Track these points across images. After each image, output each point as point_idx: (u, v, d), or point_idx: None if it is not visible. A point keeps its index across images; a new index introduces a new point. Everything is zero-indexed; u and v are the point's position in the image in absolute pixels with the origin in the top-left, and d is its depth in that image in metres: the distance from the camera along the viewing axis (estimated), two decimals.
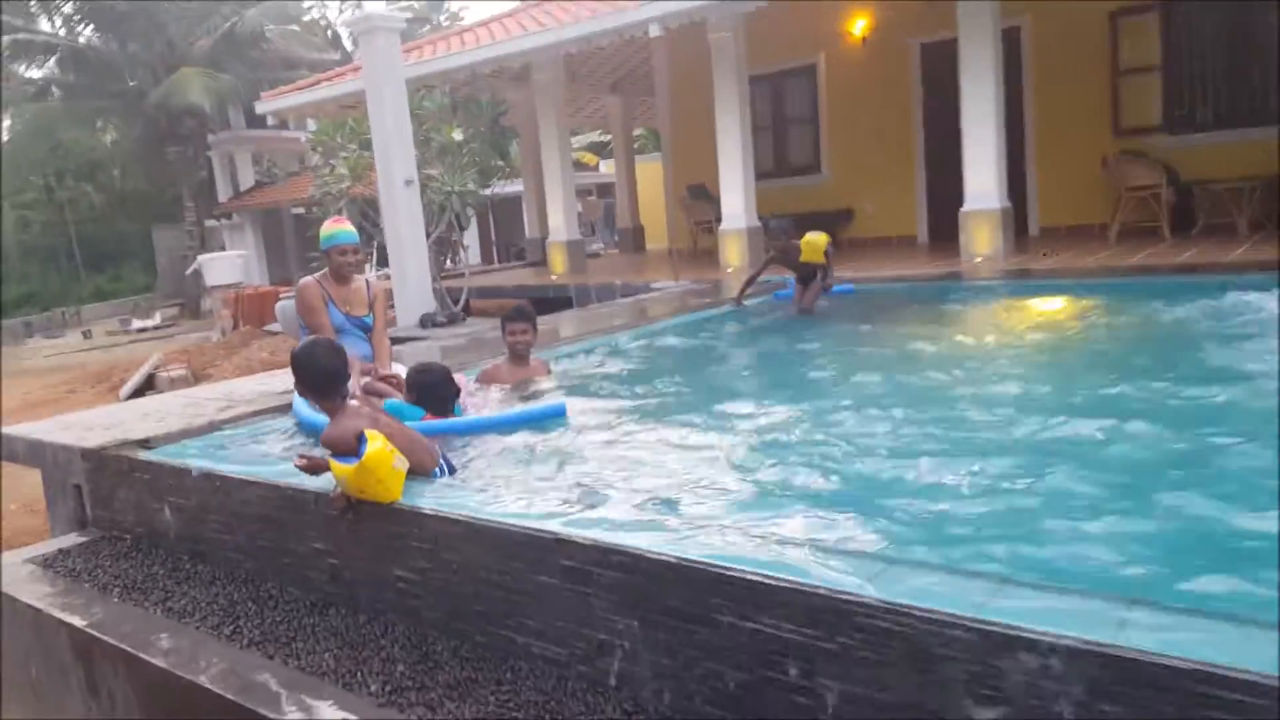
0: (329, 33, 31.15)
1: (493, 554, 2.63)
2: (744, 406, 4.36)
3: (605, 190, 25.77)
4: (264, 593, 3.26)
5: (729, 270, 10.99)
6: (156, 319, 20.82)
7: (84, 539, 4.06)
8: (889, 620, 1.91)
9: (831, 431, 3.66)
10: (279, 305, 5.65)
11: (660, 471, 3.33)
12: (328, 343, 3.23)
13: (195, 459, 3.76)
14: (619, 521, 2.50)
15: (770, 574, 2.08)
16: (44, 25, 23.87)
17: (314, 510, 3.12)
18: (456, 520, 2.71)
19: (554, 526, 2.50)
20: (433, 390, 4.05)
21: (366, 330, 4.73)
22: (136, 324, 20.09)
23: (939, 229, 12.39)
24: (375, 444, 2.87)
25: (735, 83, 10.96)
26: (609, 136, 20.71)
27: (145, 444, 4.12)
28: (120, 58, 22.94)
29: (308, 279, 4.65)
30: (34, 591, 3.47)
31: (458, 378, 4.39)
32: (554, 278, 12.68)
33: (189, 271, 19.59)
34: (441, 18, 34.43)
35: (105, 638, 3.00)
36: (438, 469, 3.31)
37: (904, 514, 2.74)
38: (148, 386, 11.22)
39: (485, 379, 4.87)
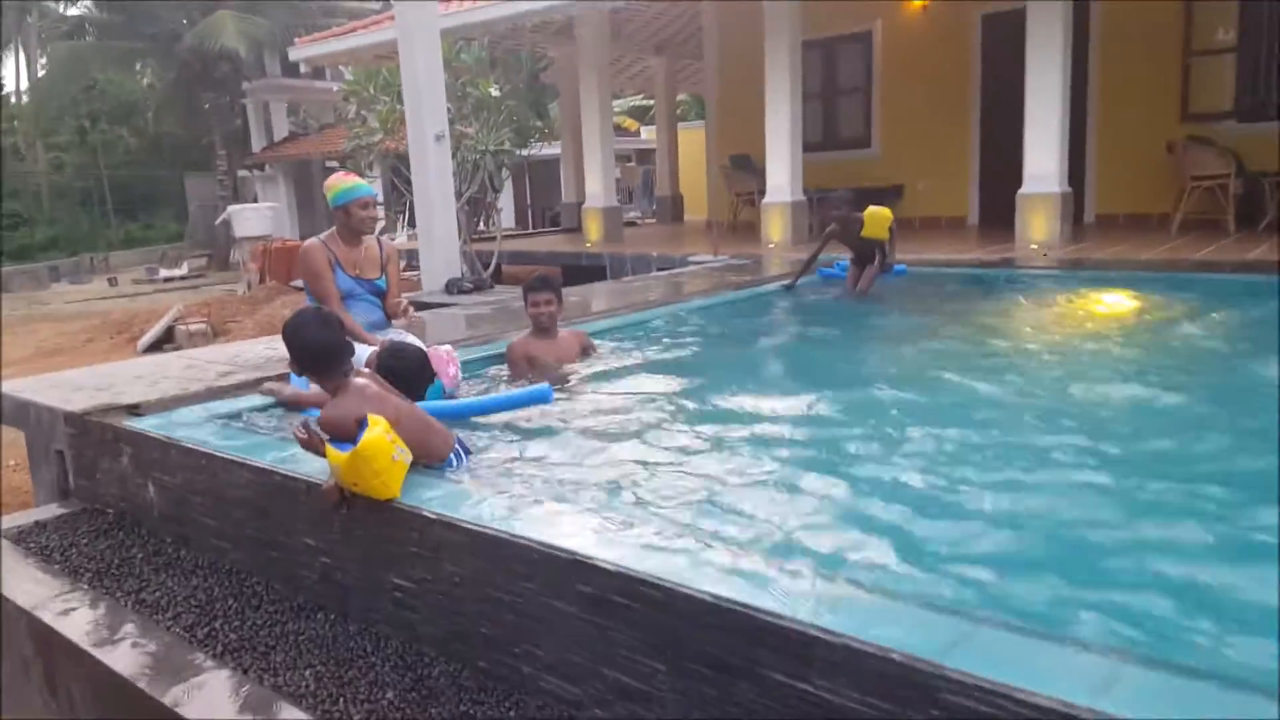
0: None
1: (501, 570, 2.25)
2: (796, 405, 3.91)
3: (644, 157, 25.16)
4: (248, 589, 2.92)
5: (770, 245, 10.50)
6: (184, 269, 20.64)
7: (64, 511, 3.74)
8: (985, 703, 1.51)
9: (902, 444, 3.21)
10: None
11: (699, 481, 2.91)
12: (317, 313, 2.84)
13: (185, 430, 3.41)
14: (650, 544, 2.10)
15: (829, 630, 1.68)
16: None
17: (306, 501, 2.75)
18: (461, 528, 2.33)
19: (573, 544, 2.12)
20: (406, 378, 3.66)
21: (380, 295, 4.33)
22: (164, 273, 19.92)
23: (991, 211, 11.85)
24: (374, 430, 2.49)
25: (788, 47, 10.40)
26: (651, 101, 20.15)
27: (134, 410, 3.78)
28: None
29: (311, 240, 4.25)
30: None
31: (441, 352, 3.99)
32: (588, 245, 12.25)
33: (218, 221, 19.34)
34: None
35: (64, 633, 2.66)
36: (452, 455, 2.94)
37: (995, 552, 2.32)
38: (166, 340, 10.98)
39: (515, 353, 4.47)
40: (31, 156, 31.27)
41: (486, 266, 10.97)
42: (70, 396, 3.96)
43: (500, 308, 6.99)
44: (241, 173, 24.26)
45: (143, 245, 25.80)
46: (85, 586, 3.00)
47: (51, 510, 3.75)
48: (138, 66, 25.87)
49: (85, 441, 3.71)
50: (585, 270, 11.07)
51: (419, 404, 3.45)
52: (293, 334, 2.73)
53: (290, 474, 2.79)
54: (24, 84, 31.57)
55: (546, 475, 3.02)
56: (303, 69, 14.96)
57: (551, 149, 16.56)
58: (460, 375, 3.98)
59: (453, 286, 8.63)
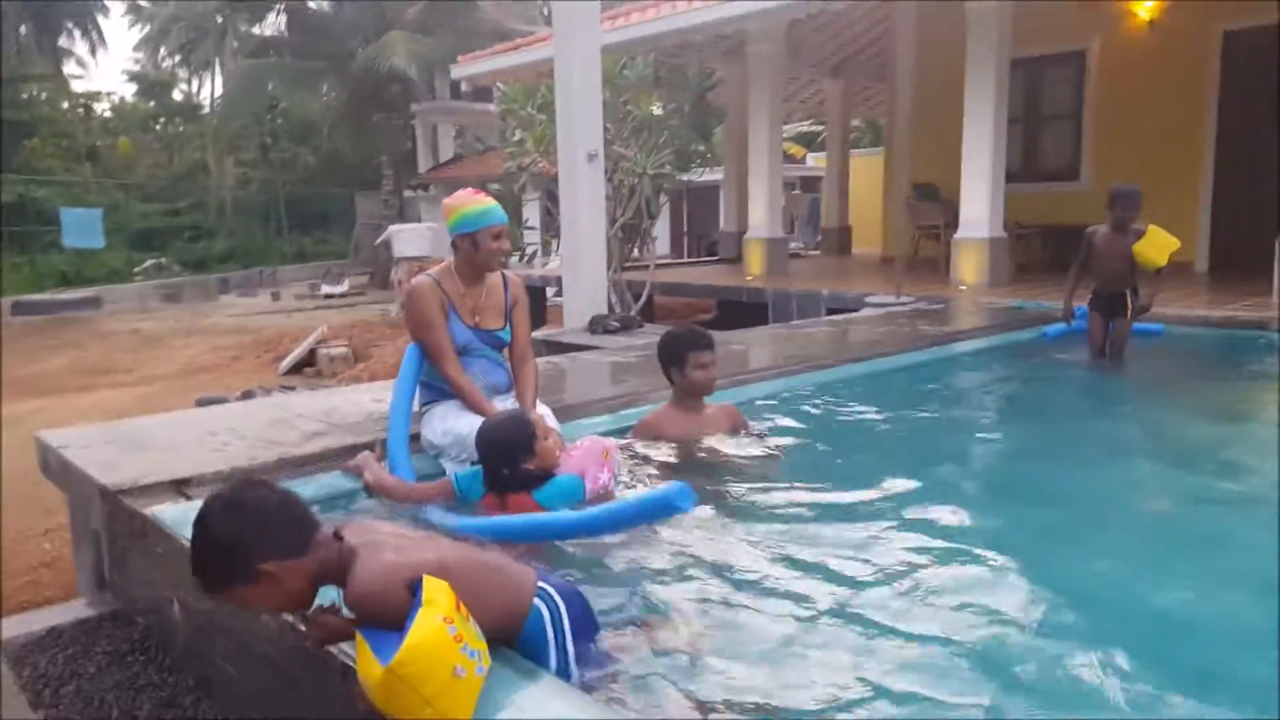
0: (544, 9, 30.81)
1: None
2: (1063, 550, 2.65)
3: (809, 185, 23.89)
4: None
5: (963, 288, 9.09)
6: (345, 286, 20.86)
7: (90, 613, 2.95)
8: None
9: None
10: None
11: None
12: (257, 498, 1.70)
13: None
14: None
15: None
16: None
17: (343, 690, 1.77)
18: None
19: None
20: (494, 460, 2.71)
21: (501, 347, 3.37)
22: (325, 289, 20.14)
23: (1225, 257, 10.11)
24: (428, 621, 1.48)
25: (994, 64, 9.03)
26: (819, 127, 18.93)
27: (183, 487, 2.95)
28: (336, 19, 23.21)
29: (421, 278, 3.31)
30: None
31: (585, 440, 2.96)
32: (749, 279, 11.14)
33: (378, 241, 19.42)
34: None
35: None
36: (541, 607, 1.84)
37: None
38: (308, 362, 10.63)
39: (644, 433, 3.42)
40: (218, 171, 33.18)
41: (638, 298, 10.06)
42: (119, 460, 3.19)
43: (651, 355, 5.97)
44: (407, 193, 24.58)
45: (312, 260, 26.57)
46: None
47: (75, 611, 2.97)
48: (323, 87, 26.83)
49: (119, 526, 2.91)
50: (745, 308, 9.99)
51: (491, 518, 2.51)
52: (243, 515, 1.66)
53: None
54: (209, 103, 33.53)
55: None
56: (464, 88, 14.61)
57: (712, 174, 15.62)
58: (614, 480, 2.92)
59: (597, 325, 7.68)
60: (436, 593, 1.54)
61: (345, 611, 1.71)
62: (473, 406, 3.17)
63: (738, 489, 3.12)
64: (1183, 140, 10.49)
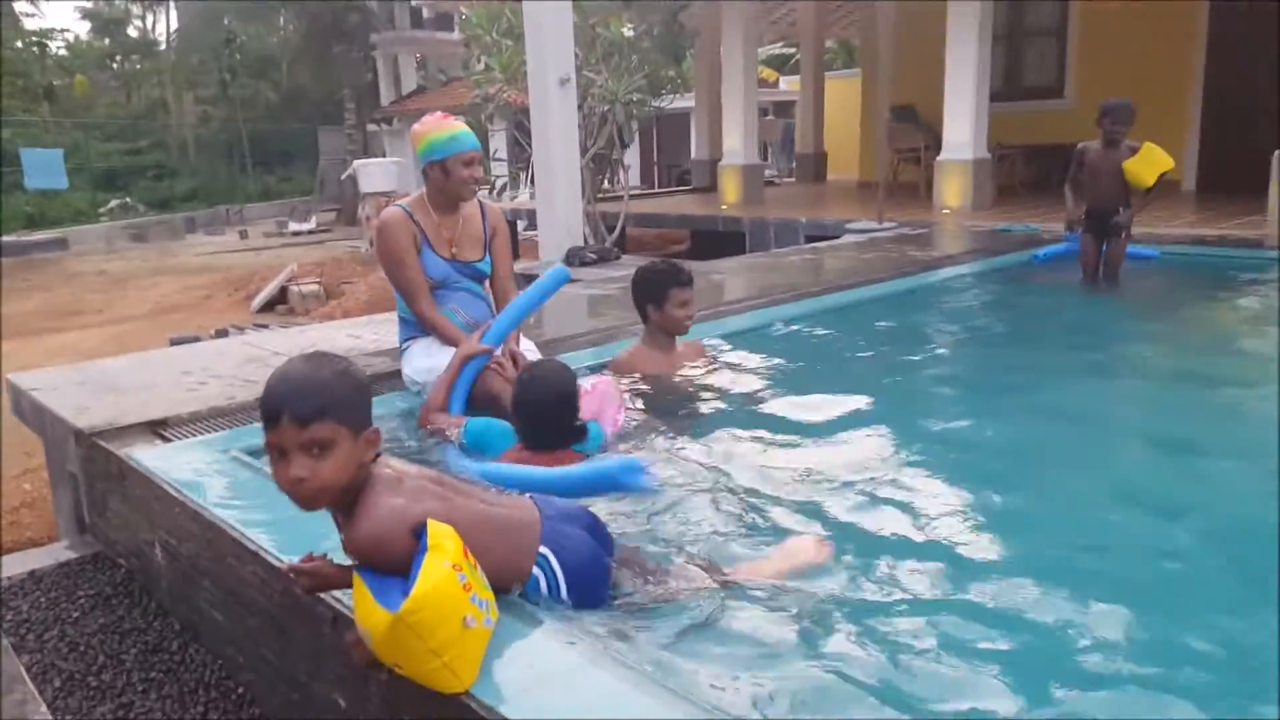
0: None
1: None
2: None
3: (782, 110, 23.48)
4: None
5: (945, 211, 9.01)
6: (312, 223, 20.41)
7: (71, 556, 2.87)
8: None
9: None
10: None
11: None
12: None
13: (205, 468, 2.46)
14: None
15: None
16: None
17: (331, 638, 1.72)
18: None
19: None
20: (533, 416, 2.46)
21: (481, 279, 3.25)
22: (293, 227, 19.69)
23: (1214, 178, 10.02)
24: (436, 567, 1.41)
25: None
26: (792, 49, 18.53)
27: (159, 429, 2.86)
28: None
29: (391, 209, 3.13)
30: None
31: (597, 382, 2.83)
32: (724, 208, 11.00)
33: (343, 176, 18.97)
34: None
35: None
36: (538, 571, 1.76)
37: None
38: (280, 300, 10.42)
39: (619, 373, 3.27)
40: (178, 109, 32.16)
41: (611, 230, 9.91)
42: (92, 401, 3.09)
43: (628, 286, 5.87)
44: (370, 127, 23.94)
45: (278, 198, 25.95)
46: (48, 703, 2.09)
47: (56, 554, 2.90)
48: (278, 21, 25.86)
49: (95, 470, 2.82)
50: (722, 237, 9.87)
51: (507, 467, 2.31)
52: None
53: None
54: (165, 39, 32.33)
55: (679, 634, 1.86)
56: (425, 15, 14.09)
57: (682, 101, 15.28)
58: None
59: (574, 257, 7.54)
60: (442, 538, 1.46)
61: (334, 560, 1.64)
62: (449, 342, 3.06)
63: (717, 430, 2.95)
64: (1172, 55, 10.30)
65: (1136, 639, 1.73)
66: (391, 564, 1.48)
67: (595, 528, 1.91)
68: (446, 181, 3.09)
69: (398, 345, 3.28)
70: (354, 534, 1.51)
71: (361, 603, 1.44)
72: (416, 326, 3.16)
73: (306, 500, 1.51)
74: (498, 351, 2.97)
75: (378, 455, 1.57)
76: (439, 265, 3.10)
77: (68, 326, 10.08)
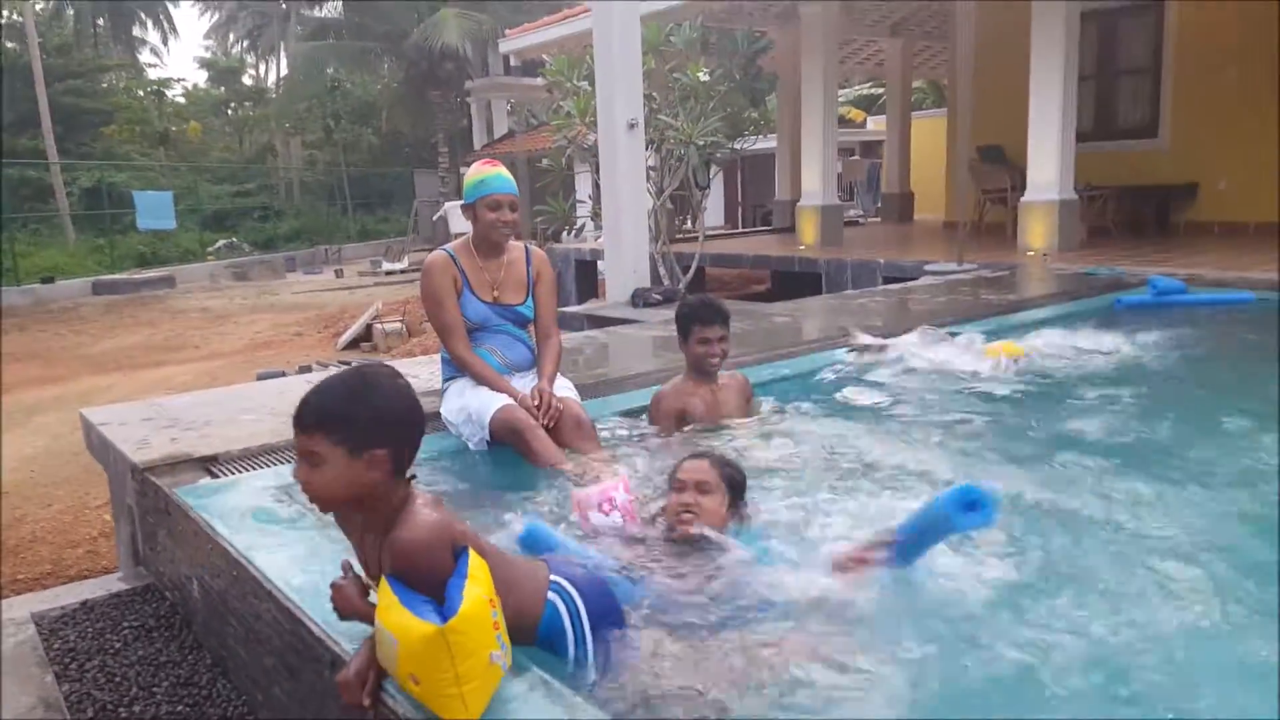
0: None
1: None
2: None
3: (869, 150, 23.30)
4: None
5: (1030, 254, 8.72)
6: (405, 263, 21.08)
7: (123, 587, 2.98)
8: None
9: None
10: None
11: None
12: (368, 375, 1.65)
13: (239, 507, 2.52)
14: None
15: None
16: None
17: (329, 681, 1.73)
18: None
19: None
20: None
21: (524, 323, 3.28)
22: (386, 266, 20.38)
23: None
24: (479, 596, 1.44)
25: (1062, 17, 8.58)
26: (879, 89, 18.38)
27: (210, 464, 2.96)
28: None
29: (436, 253, 3.21)
30: None
31: (593, 493, 2.43)
32: (801, 248, 10.90)
33: (435, 217, 19.61)
34: None
35: None
36: (554, 597, 1.77)
37: None
38: (365, 337, 10.76)
39: (664, 409, 3.25)
40: (286, 153, 33.88)
41: (686, 270, 9.92)
42: (152, 438, 3.21)
43: None
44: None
45: (375, 238, 26.96)
46: None
47: (108, 585, 3.01)
48: (384, 68, 27.05)
49: (147, 504, 2.93)
50: (798, 278, 9.78)
51: None
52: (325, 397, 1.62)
53: (319, 629, 1.78)
54: (275, 87, 34.21)
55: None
56: (511, 62, 14.52)
57: (767, 142, 15.31)
58: (618, 519, 2.37)
59: (638, 299, 7.56)
60: (479, 570, 1.49)
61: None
62: (482, 382, 3.10)
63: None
64: (1269, 93, 9.87)
65: None
66: (430, 576, 1.49)
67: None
68: (477, 224, 3.15)
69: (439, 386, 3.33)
70: (400, 539, 1.52)
71: (390, 609, 1.44)
72: (455, 368, 3.21)
73: (311, 502, 1.61)
74: (528, 392, 3.01)
75: (412, 478, 1.61)
76: (478, 309, 3.15)
77: (167, 361, 10.61)
